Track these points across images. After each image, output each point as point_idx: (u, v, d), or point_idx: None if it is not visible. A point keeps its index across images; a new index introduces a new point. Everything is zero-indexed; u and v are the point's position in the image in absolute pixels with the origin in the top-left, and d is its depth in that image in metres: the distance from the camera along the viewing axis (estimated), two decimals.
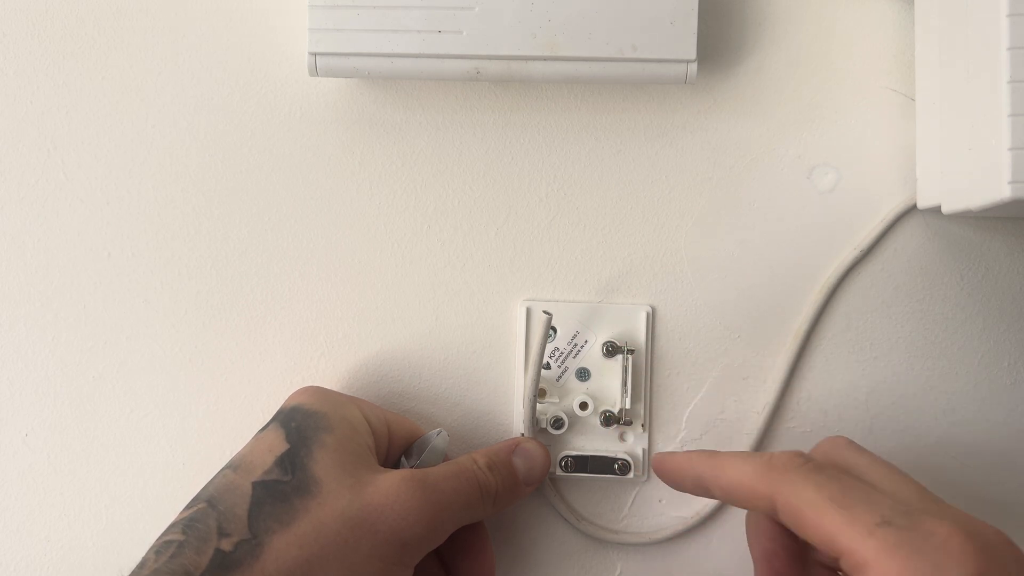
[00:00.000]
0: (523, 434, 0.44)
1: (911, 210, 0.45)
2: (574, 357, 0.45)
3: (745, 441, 0.45)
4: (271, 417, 0.40)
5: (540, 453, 0.43)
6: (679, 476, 0.38)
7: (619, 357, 0.44)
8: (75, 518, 0.46)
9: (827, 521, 0.31)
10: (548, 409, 0.44)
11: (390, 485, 0.37)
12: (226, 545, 0.34)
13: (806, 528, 0.32)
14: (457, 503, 0.38)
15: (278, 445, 0.38)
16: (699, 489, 0.37)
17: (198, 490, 0.37)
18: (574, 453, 0.45)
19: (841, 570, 0.32)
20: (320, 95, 0.46)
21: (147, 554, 0.35)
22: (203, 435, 0.46)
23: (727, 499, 0.36)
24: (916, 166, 0.44)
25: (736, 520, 0.45)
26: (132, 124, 0.46)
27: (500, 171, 0.46)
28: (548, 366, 0.45)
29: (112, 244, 0.46)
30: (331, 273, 0.46)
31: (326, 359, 0.46)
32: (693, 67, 0.42)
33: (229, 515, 0.35)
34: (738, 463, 0.35)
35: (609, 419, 0.44)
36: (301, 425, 0.38)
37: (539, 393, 0.44)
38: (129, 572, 0.34)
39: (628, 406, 0.44)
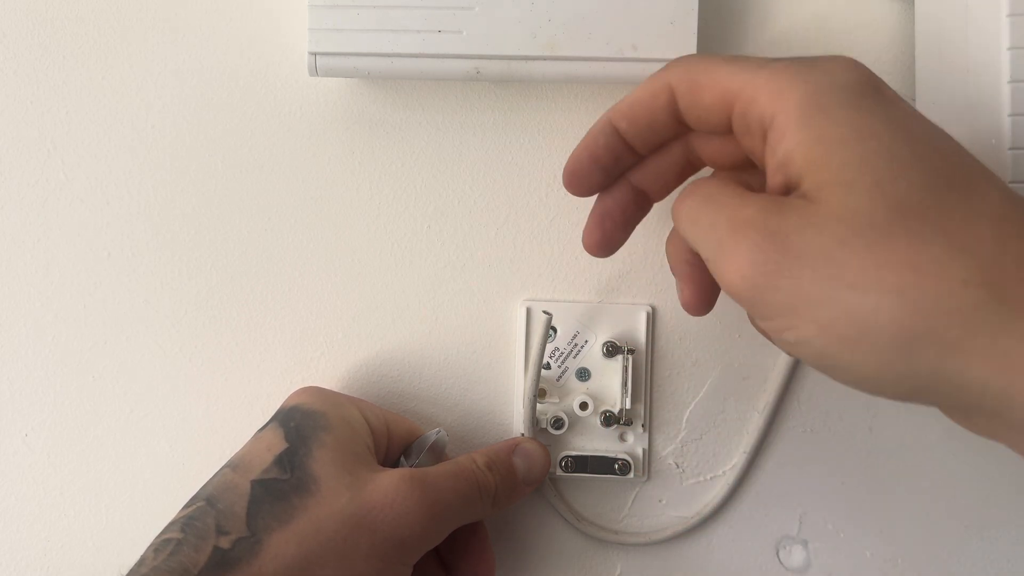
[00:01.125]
0: (523, 434, 0.44)
1: None
2: (574, 357, 0.45)
3: (745, 441, 0.45)
4: (270, 417, 0.40)
5: (540, 453, 0.43)
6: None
7: (619, 357, 0.44)
8: (75, 518, 0.46)
9: (721, 73, 0.31)
10: (548, 409, 0.44)
11: (389, 484, 0.37)
12: (225, 543, 0.34)
13: (701, 91, 0.32)
14: (456, 503, 0.38)
15: (277, 444, 0.38)
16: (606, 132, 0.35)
17: (197, 489, 0.37)
18: (574, 453, 0.45)
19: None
20: (320, 95, 0.46)
21: (145, 552, 0.35)
22: (203, 435, 0.46)
23: (629, 116, 0.35)
24: None
25: (736, 520, 0.45)
26: (132, 124, 0.46)
27: (500, 171, 0.46)
28: (548, 366, 0.45)
29: (112, 244, 0.46)
30: (331, 273, 0.46)
31: (326, 359, 0.46)
32: None
33: (228, 513, 0.35)
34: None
35: (609, 419, 0.44)
36: (300, 424, 0.38)
37: (539, 393, 0.44)
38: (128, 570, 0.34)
39: (628, 406, 0.44)
